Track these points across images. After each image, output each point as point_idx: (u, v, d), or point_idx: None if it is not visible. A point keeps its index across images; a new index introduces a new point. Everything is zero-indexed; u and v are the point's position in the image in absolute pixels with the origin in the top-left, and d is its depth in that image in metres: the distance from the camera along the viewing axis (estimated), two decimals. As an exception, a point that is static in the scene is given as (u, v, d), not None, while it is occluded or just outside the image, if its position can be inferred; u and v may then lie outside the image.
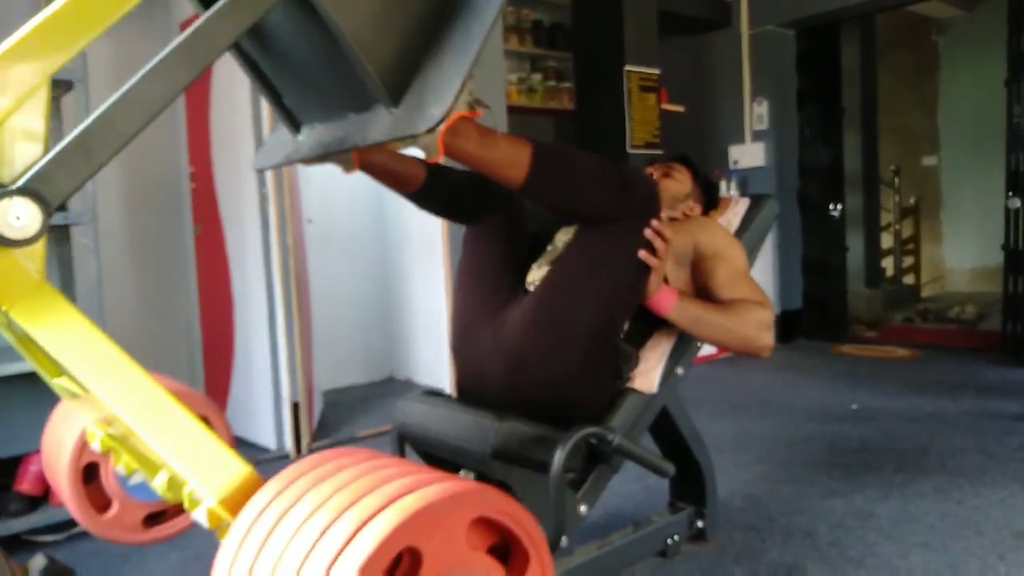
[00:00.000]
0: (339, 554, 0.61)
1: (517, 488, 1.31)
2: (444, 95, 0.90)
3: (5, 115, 0.77)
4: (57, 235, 2.10)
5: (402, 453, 1.54)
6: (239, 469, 0.76)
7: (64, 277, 2.13)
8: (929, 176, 6.83)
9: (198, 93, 2.97)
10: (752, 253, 1.75)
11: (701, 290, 1.56)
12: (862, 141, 5.48)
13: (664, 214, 1.69)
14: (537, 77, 4.48)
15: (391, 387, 3.96)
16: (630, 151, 3.96)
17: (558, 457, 1.24)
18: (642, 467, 1.45)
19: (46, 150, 0.79)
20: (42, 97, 0.79)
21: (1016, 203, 3.91)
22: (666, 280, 1.49)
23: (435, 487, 0.66)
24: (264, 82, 1.09)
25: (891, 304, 5.70)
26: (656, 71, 4.06)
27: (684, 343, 1.59)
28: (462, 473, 1.43)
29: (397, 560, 0.64)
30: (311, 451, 2.83)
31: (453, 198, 1.52)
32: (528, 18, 4.46)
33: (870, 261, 5.56)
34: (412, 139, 0.94)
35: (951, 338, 4.68)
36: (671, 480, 1.82)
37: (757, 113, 4.77)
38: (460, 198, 1.53)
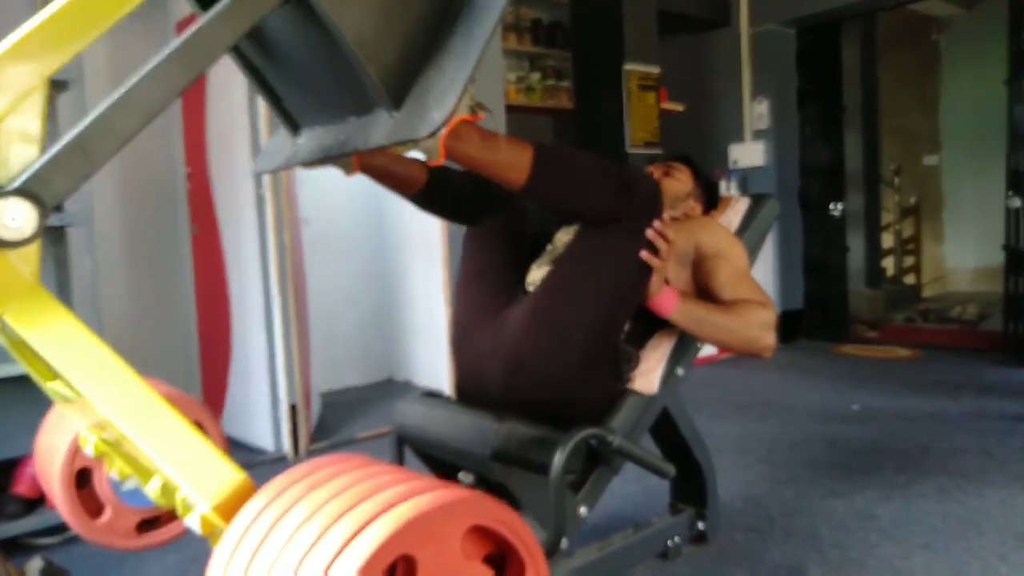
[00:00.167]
0: (333, 562, 0.60)
1: (517, 490, 1.30)
2: (446, 99, 0.89)
3: (1, 116, 0.77)
4: (53, 236, 2.09)
5: (401, 455, 1.53)
6: (232, 475, 0.76)
7: (60, 278, 2.12)
8: (930, 175, 6.82)
9: (194, 94, 2.97)
10: (753, 253, 1.74)
11: (702, 290, 1.56)
12: (863, 140, 5.47)
13: (665, 214, 1.69)
14: (536, 76, 4.47)
15: (390, 388, 3.95)
16: (629, 150, 3.96)
17: (558, 458, 1.24)
18: (642, 468, 1.44)
19: (42, 151, 0.79)
20: (39, 99, 0.79)
21: (1017, 202, 3.91)
22: (667, 281, 1.49)
23: (430, 495, 0.66)
24: (264, 85, 1.09)
25: (892, 304, 5.69)
26: (656, 70, 4.06)
27: (684, 344, 1.59)
28: (461, 475, 1.42)
29: (392, 568, 0.63)
30: (309, 453, 2.82)
31: (454, 200, 1.52)
32: (527, 17, 4.46)
33: (871, 261, 5.56)
34: (414, 143, 0.94)
35: (952, 338, 4.68)
36: (672, 481, 1.81)
37: (757, 112, 4.76)
38: (461, 200, 1.53)
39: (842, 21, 4.83)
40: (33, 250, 0.78)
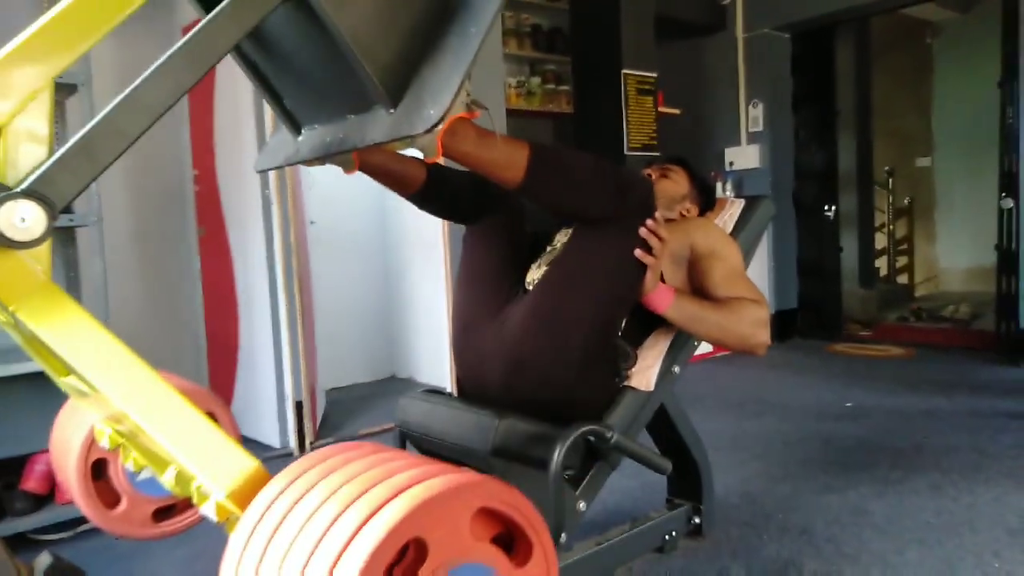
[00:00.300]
0: (347, 545, 0.62)
1: (516, 485, 1.32)
2: (442, 96, 0.90)
3: (9, 118, 0.77)
4: (63, 237, 2.11)
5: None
6: (246, 463, 0.77)
7: (70, 278, 2.15)
8: (923, 177, 6.86)
9: (202, 96, 2.99)
10: (748, 253, 1.76)
11: (697, 290, 1.57)
12: (856, 143, 5.51)
13: (661, 214, 1.71)
14: (536, 80, 4.51)
15: (393, 386, 3.98)
16: (627, 153, 3.99)
17: (557, 454, 1.25)
18: (640, 464, 1.47)
19: (50, 152, 0.79)
20: (45, 99, 0.79)
21: (1009, 203, 3.92)
22: (663, 280, 1.51)
23: (440, 479, 0.68)
24: (265, 84, 1.10)
25: (885, 304, 5.72)
26: (653, 74, 4.10)
27: (681, 342, 1.61)
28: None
29: (403, 550, 0.65)
30: (314, 449, 2.85)
31: (453, 199, 1.53)
32: (527, 22, 4.49)
33: (864, 261, 5.59)
34: (411, 140, 0.95)
35: (945, 337, 4.71)
36: (668, 477, 1.82)
37: (753, 115, 4.80)
38: (460, 199, 1.53)
39: (836, 25, 4.86)
40: (44, 249, 0.78)
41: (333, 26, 0.89)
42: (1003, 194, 3.97)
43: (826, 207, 4.95)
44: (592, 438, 1.36)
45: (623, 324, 1.50)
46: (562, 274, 1.40)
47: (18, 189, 0.75)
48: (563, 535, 1.31)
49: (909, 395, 3.30)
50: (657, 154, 4.09)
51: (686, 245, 1.59)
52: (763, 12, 4.71)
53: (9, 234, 0.74)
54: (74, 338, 0.80)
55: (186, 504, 1.27)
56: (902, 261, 6.71)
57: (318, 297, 3.35)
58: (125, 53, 2.48)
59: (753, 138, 4.81)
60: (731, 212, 1.84)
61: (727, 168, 4.83)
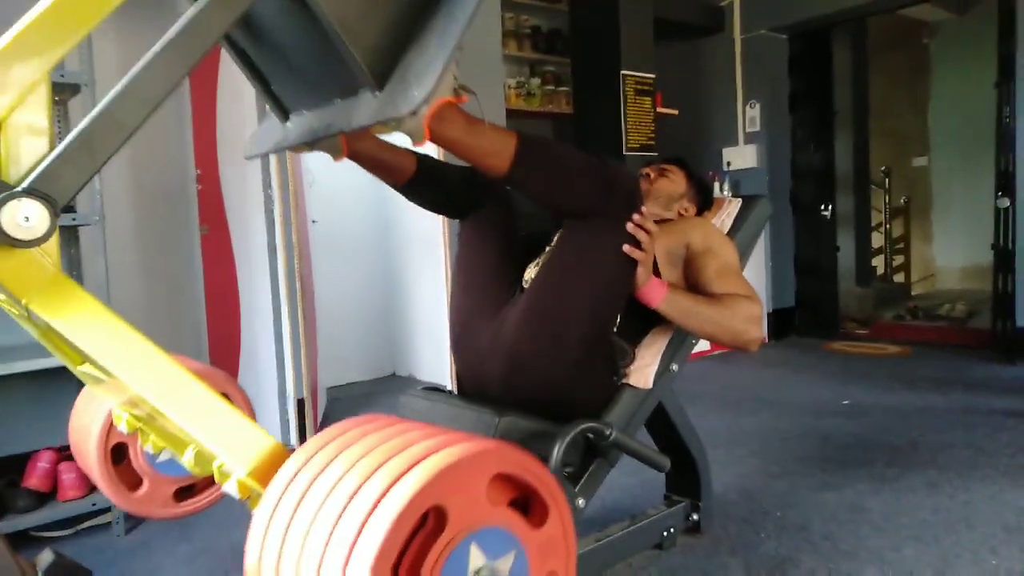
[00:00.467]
0: (369, 515, 0.63)
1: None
2: (426, 77, 0.89)
3: (7, 112, 0.76)
4: (66, 236, 2.11)
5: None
6: (265, 441, 0.78)
7: (73, 277, 2.15)
8: (919, 177, 6.89)
9: (204, 96, 3.00)
10: (745, 253, 1.77)
11: (693, 287, 1.57)
12: (853, 143, 5.54)
13: (655, 212, 1.72)
14: (535, 81, 4.52)
15: (393, 383, 4.00)
16: (626, 153, 4.02)
17: (556, 451, 1.26)
18: (638, 461, 1.48)
19: (51, 146, 0.78)
20: (43, 92, 0.79)
21: (1005, 203, 3.94)
22: (659, 276, 1.51)
23: (457, 447, 0.68)
24: (253, 71, 1.09)
25: (882, 302, 5.75)
26: (651, 75, 4.12)
27: (679, 340, 1.62)
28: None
29: (423, 517, 0.66)
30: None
31: (443, 191, 1.52)
32: (527, 24, 4.50)
33: (861, 260, 5.62)
34: (397, 123, 0.94)
35: (941, 335, 4.72)
36: (667, 474, 1.83)
37: (750, 116, 4.82)
38: (449, 192, 1.52)
39: (833, 26, 4.88)
40: (52, 242, 0.79)
41: (318, 8, 0.88)
42: (999, 193, 3.99)
43: (823, 206, 4.97)
44: (591, 435, 1.37)
45: (620, 321, 1.51)
46: (554, 272, 1.39)
47: (20, 188, 0.75)
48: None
49: (906, 393, 3.31)
50: (655, 154, 4.11)
51: (682, 244, 1.60)
52: (760, 13, 4.73)
53: (14, 234, 0.74)
54: (88, 327, 0.80)
55: (206, 483, 1.28)
56: (899, 260, 6.74)
57: (319, 296, 3.37)
58: (128, 51, 2.48)
59: (750, 138, 4.83)
60: (728, 211, 1.85)
61: (724, 168, 4.85)
